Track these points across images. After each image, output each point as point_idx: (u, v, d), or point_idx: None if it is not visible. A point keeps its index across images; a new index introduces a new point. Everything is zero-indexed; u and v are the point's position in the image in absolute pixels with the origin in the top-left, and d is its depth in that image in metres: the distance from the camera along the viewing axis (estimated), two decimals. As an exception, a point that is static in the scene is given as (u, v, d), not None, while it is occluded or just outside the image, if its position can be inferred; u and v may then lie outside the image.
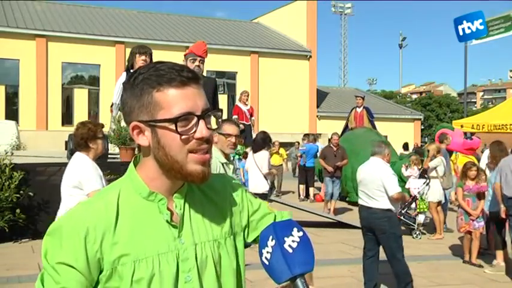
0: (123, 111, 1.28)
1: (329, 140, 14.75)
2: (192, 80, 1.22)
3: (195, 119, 1.20)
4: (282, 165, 16.41)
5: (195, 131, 1.20)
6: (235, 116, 10.78)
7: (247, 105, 11.31)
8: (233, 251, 1.35)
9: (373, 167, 5.68)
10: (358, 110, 14.87)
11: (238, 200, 1.41)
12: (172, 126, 1.19)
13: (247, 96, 11.46)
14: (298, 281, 1.09)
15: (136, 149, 8.05)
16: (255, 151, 8.06)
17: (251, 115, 11.25)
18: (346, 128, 15.26)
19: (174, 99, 1.19)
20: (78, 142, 4.29)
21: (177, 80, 1.20)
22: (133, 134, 1.24)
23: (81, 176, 4.18)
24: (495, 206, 7.04)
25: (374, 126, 15.02)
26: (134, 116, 1.23)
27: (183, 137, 1.19)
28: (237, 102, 11.63)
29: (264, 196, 8.06)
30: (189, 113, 1.19)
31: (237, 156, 9.89)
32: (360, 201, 5.84)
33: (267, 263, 1.13)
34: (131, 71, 8.15)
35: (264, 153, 7.96)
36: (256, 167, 7.80)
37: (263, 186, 7.80)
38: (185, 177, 1.22)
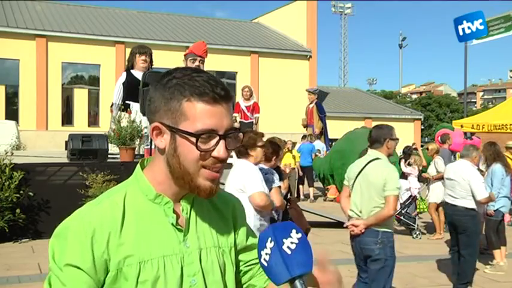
0: (148, 108, 1.27)
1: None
2: (224, 99, 1.21)
3: (217, 138, 1.20)
4: (295, 168, 14.66)
5: (213, 149, 1.20)
6: (235, 114, 10.43)
7: (250, 100, 10.69)
8: (235, 263, 1.36)
9: (461, 169, 6.04)
10: (310, 106, 14.10)
11: (240, 218, 1.42)
12: (193, 140, 1.18)
13: (248, 91, 10.76)
14: (297, 283, 1.09)
15: (136, 149, 8.08)
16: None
17: (253, 112, 10.65)
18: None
19: (201, 114, 1.19)
20: (239, 150, 4.52)
21: (209, 95, 1.19)
22: (152, 134, 1.25)
23: (244, 180, 4.36)
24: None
25: (324, 123, 14.35)
26: (158, 116, 1.23)
27: (201, 153, 1.19)
28: (238, 99, 11.10)
29: None
30: (212, 130, 1.19)
31: None
32: (446, 199, 6.25)
33: (265, 264, 1.13)
34: (131, 71, 8.22)
35: None
36: None
37: None
38: (193, 189, 1.23)
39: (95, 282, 1.16)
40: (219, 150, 1.20)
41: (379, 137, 4.51)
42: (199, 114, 1.19)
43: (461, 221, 5.92)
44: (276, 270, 1.11)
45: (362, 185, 4.48)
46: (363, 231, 4.39)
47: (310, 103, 14.03)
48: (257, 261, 1.39)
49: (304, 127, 14.21)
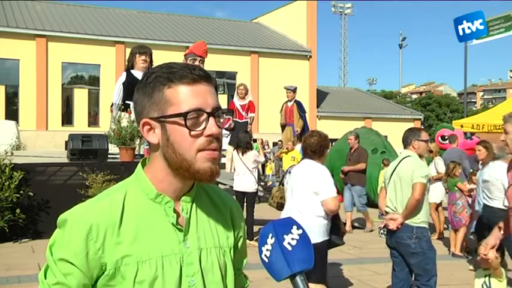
0: (135, 112, 1.28)
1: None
2: (204, 78, 1.22)
3: (205, 115, 1.20)
4: None
5: (204, 128, 1.20)
6: None
7: (245, 99, 10.31)
8: (233, 263, 1.36)
9: (495, 170, 6.18)
10: (289, 104, 13.21)
11: (237, 221, 1.42)
12: (182, 121, 1.18)
13: (244, 89, 10.34)
14: (298, 279, 1.09)
15: (136, 149, 8.08)
16: (242, 153, 8.14)
17: (248, 111, 10.25)
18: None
19: (185, 96, 1.20)
20: (315, 150, 4.47)
21: (188, 77, 1.20)
22: (143, 131, 1.25)
23: (319, 183, 4.32)
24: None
25: (305, 123, 13.90)
26: (145, 113, 1.24)
27: (192, 132, 1.19)
28: (234, 97, 10.67)
29: (253, 195, 8.28)
30: (199, 109, 1.19)
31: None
32: (483, 201, 6.38)
33: (266, 260, 1.13)
34: (131, 71, 8.22)
35: (253, 153, 8.27)
36: (244, 167, 8.04)
37: (252, 186, 8.19)
38: (193, 175, 1.22)
39: (87, 277, 1.17)
40: (211, 128, 1.20)
41: (406, 138, 4.85)
42: (182, 96, 1.20)
43: (497, 222, 5.98)
44: (276, 266, 1.10)
45: (395, 181, 4.75)
46: (399, 225, 4.60)
47: (289, 101, 13.57)
48: (240, 270, 1.41)
49: (282, 126, 13.78)
